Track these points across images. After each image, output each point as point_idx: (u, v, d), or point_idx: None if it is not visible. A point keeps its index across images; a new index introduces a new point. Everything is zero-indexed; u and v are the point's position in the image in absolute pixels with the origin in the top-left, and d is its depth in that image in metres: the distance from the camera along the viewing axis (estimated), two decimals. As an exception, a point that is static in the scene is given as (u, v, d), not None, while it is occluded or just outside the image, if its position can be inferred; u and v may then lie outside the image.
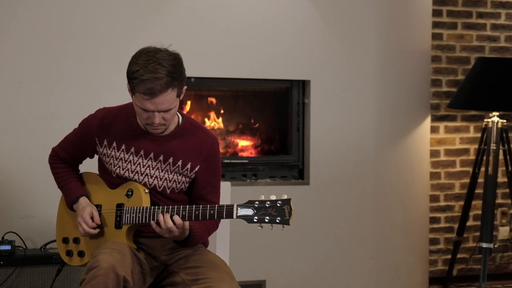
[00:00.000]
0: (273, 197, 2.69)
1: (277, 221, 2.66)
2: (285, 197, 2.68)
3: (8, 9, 3.97)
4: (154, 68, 2.69)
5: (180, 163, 2.90)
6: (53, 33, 4.03)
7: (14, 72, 3.98)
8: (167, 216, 2.77)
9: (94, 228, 2.92)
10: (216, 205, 2.75)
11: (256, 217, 2.67)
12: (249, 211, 2.68)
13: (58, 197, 3.15)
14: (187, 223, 2.80)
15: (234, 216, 2.70)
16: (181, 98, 2.83)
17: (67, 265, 3.15)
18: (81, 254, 3.00)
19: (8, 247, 3.67)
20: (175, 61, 2.76)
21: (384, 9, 4.63)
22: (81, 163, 3.12)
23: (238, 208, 2.70)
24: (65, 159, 3.06)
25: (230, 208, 2.71)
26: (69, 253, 3.04)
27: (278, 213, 2.66)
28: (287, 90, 4.59)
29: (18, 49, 3.99)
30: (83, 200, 2.99)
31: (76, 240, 3.02)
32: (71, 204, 3.00)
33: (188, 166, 2.90)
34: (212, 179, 2.96)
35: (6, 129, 3.97)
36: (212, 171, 2.95)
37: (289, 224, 2.66)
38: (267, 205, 2.67)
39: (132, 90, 2.76)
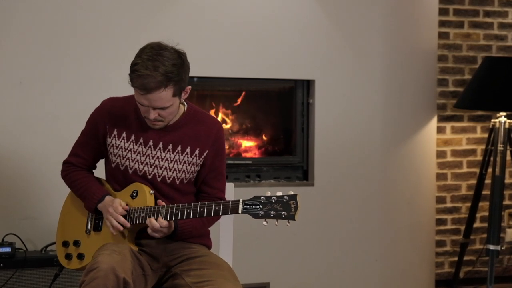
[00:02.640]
0: (279, 193, 2.69)
1: (283, 216, 2.65)
2: (292, 193, 2.68)
3: (8, 9, 3.95)
4: (153, 66, 2.74)
5: (188, 150, 2.92)
6: (53, 33, 4.02)
7: (14, 71, 3.97)
8: (153, 219, 2.80)
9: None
10: (222, 201, 2.76)
11: (261, 212, 2.67)
12: (255, 206, 2.68)
13: (59, 198, 3.14)
14: (172, 222, 2.84)
15: (240, 211, 2.70)
16: (182, 97, 2.87)
17: (65, 269, 3.12)
18: (80, 256, 2.98)
19: (8, 249, 3.66)
20: (178, 60, 2.79)
21: (389, 8, 4.61)
22: (95, 168, 3.09)
23: (244, 203, 2.70)
24: (79, 165, 3.04)
25: (235, 203, 2.71)
26: (68, 257, 3.02)
27: (284, 208, 2.65)
28: (292, 90, 4.57)
29: (18, 49, 3.97)
30: (108, 198, 2.93)
31: (76, 243, 3.01)
32: (96, 204, 2.94)
33: (197, 152, 2.93)
34: (219, 164, 2.99)
35: (6, 129, 3.96)
36: (219, 156, 2.98)
37: (294, 219, 2.65)
38: (273, 201, 2.67)
39: (130, 83, 2.81)
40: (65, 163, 3.07)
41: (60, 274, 3.49)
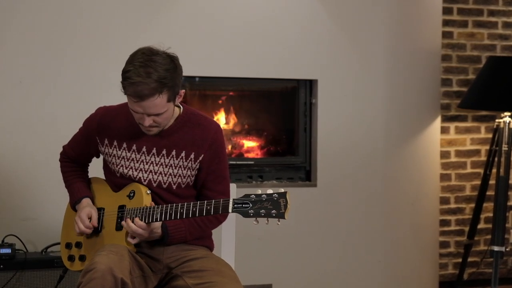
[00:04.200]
0: (269, 191, 2.66)
1: (273, 214, 2.62)
2: (282, 190, 2.65)
3: (8, 9, 3.95)
4: (145, 72, 2.70)
5: (183, 154, 2.88)
6: (53, 33, 4.01)
7: (14, 71, 3.96)
8: (129, 220, 2.80)
9: (90, 229, 2.93)
10: (213, 200, 2.72)
11: (252, 211, 2.64)
12: (245, 205, 2.65)
13: (59, 199, 3.15)
14: (156, 224, 2.82)
15: (230, 210, 2.67)
16: (176, 102, 2.84)
17: (69, 271, 3.13)
18: (82, 258, 2.99)
19: (8, 251, 3.65)
20: (170, 65, 2.75)
21: (393, 7, 4.60)
22: (89, 161, 3.13)
23: (234, 202, 2.66)
24: (73, 158, 3.09)
25: (226, 202, 2.69)
26: (71, 258, 3.03)
27: (274, 206, 2.62)
28: (294, 90, 4.55)
29: (18, 49, 3.97)
30: (85, 201, 3.00)
31: (78, 245, 3.01)
32: (74, 204, 3.01)
33: (192, 156, 2.89)
34: (217, 166, 2.93)
35: (6, 129, 3.95)
36: (216, 159, 2.93)
37: (284, 218, 2.62)
38: (263, 199, 2.64)
39: (123, 90, 2.77)
40: (63, 148, 3.12)
41: (65, 275, 3.47)
